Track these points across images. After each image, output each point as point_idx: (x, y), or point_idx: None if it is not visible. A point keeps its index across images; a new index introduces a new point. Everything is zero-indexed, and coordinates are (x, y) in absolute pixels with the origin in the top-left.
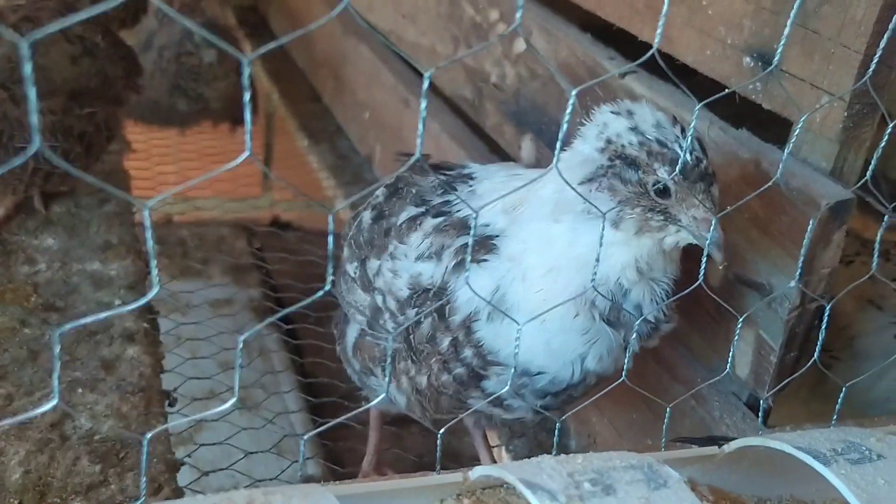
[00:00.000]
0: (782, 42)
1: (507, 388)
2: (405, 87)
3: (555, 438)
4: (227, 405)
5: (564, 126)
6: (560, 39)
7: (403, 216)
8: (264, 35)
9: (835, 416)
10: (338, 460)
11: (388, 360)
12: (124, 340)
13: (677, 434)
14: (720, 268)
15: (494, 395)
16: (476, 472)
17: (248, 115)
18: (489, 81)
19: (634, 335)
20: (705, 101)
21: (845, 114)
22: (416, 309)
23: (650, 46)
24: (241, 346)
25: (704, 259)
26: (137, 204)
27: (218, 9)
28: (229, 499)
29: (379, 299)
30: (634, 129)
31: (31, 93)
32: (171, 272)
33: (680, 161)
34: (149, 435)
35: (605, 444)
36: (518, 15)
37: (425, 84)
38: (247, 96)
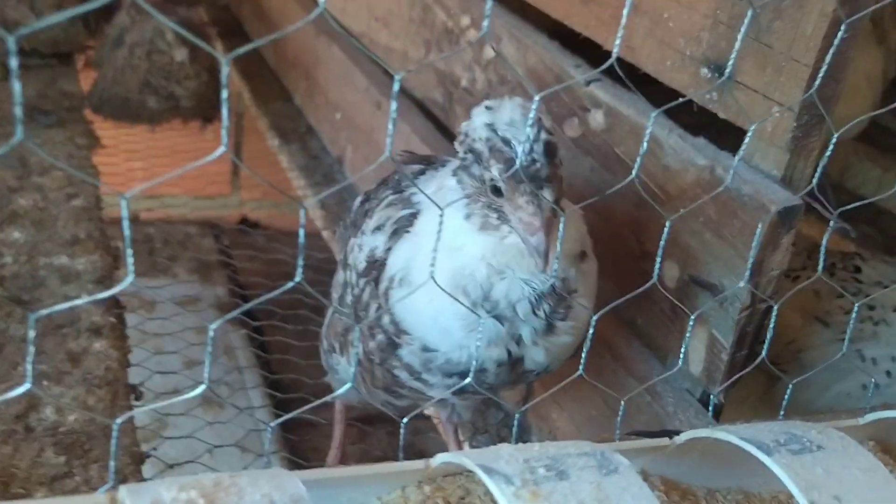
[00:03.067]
0: (734, 55)
1: (416, 359)
2: (377, 89)
3: (513, 430)
4: (197, 391)
5: (528, 130)
6: (529, 47)
7: (381, 198)
8: (237, 34)
9: (781, 413)
10: (302, 457)
11: (355, 343)
12: (91, 334)
13: (633, 428)
14: (545, 274)
15: (409, 365)
16: (437, 460)
17: (225, 112)
18: (460, 86)
19: (528, 330)
20: (662, 109)
21: (794, 124)
22: (364, 279)
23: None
24: (211, 334)
25: (659, 258)
26: (109, 197)
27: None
28: (198, 481)
29: (348, 274)
30: (489, 125)
31: (17, 87)
32: (137, 269)
33: (511, 159)
34: (119, 420)
35: (565, 439)
36: (485, 24)
37: (395, 87)
38: (224, 93)
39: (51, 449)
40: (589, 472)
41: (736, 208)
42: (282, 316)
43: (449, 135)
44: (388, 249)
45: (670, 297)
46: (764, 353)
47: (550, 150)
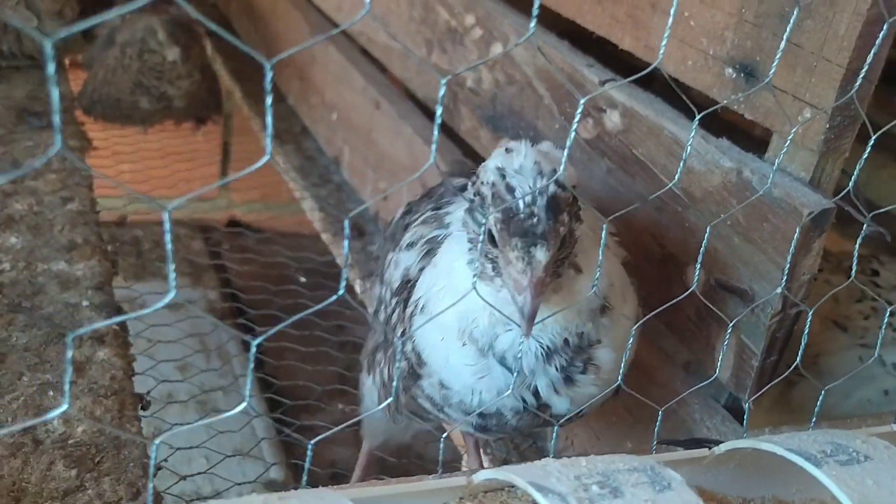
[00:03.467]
0: (777, 56)
1: (436, 393)
2: (376, 89)
3: (552, 443)
4: (238, 409)
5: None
6: (538, 47)
7: (422, 211)
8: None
9: (813, 419)
10: (302, 464)
11: (397, 363)
12: (94, 342)
13: (659, 437)
14: (522, 338)
15: (430, 397)
16: (481, 476)
17: (268, 120)
18: (465, 86)
19: (544, 381)
20: (701, 114)
21: (827, 125)
22: (396, 298)
23: (628, 54)
24: (253, 349)
25: (699, 267)
26: (104, 199)
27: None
28: (249, 502)
29: (383, 291)
30: (499, 169)
31: (55, 93)
32: (126, 273)
33: (509, 209)
34: (157, 440)
35: (583, 446)
36: (532, 24)
37: (441, 91)
38: (268, 100)
39: (61, 462)
40: (642, 490)
41: (766, 212)
42: (278, 323)
43: (453, 136)
44: (421, 270)
45: (705, 301)
46: (798, 359)
47: (555, 206)
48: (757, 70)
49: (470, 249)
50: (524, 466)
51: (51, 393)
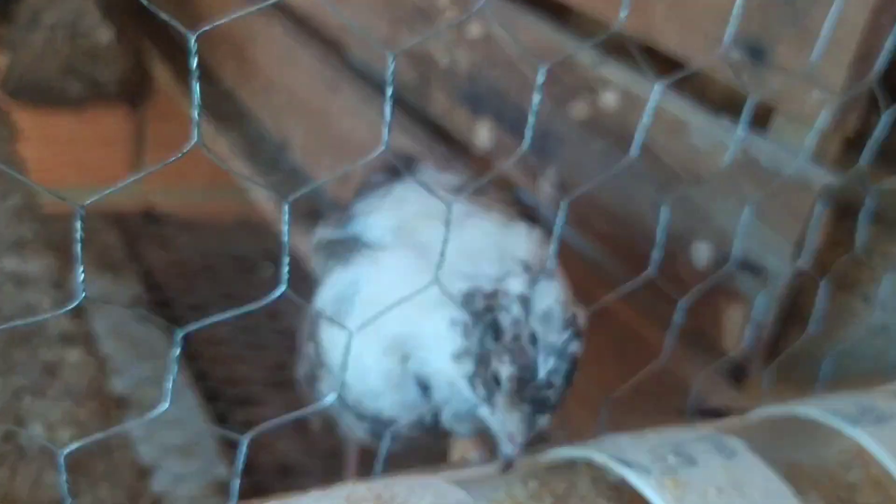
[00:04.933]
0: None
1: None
2: (332, 71)
3: None
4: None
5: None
6: (521, 28)
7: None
8: (153, 13)
9: (818, 383)
10: (247, 460)
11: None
12: (63, 343)
13: (667, 408)
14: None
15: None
16: (549, 454)
17: (196, 98)
18: (438, 67)
19: (450, 413)
20: (669, 79)
21: (835, 103)
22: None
23: (616, 32)
24: (178, 340)
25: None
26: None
27: None
28: (354, 492)
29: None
30: (523, 301)
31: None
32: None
33: (528, 368)
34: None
35: (581, 424)
36: None
37: (390, 67)
38: (193, 63)
39: (52, 469)
40: (713, 457)
41: (776, 188)
42: (200, 317)
43: (419, 118)
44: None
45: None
46: (811, 328)
47: (573, 369)
48: (764, 50)
49: (463, 353)
50: (594, 442)
51: (28, 398)
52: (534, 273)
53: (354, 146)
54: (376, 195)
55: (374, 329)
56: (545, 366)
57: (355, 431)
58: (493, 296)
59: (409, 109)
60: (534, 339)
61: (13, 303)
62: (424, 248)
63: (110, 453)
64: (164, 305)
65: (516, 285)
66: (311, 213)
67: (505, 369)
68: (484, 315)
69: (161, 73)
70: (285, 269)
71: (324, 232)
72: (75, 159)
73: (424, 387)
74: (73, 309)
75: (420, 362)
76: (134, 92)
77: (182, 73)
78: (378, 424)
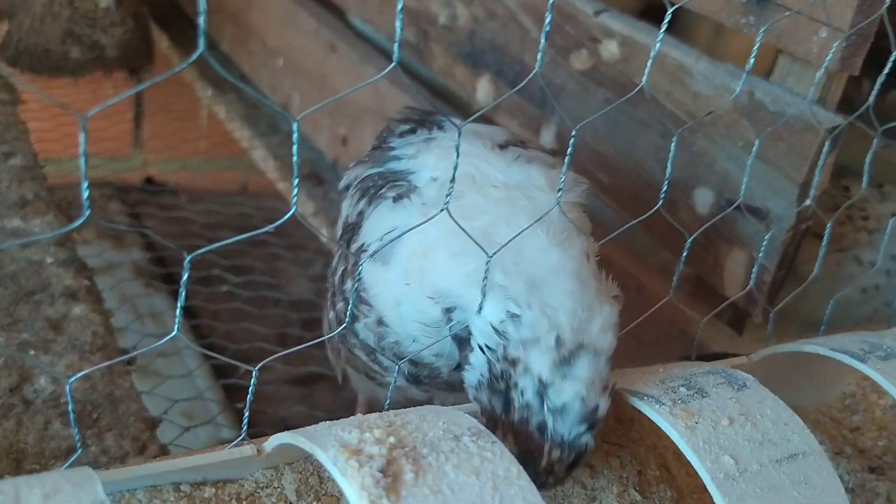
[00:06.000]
0: None
1: (371, 335)
2: (330, 32)
3: None
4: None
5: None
6: None
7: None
8: None
9: (823, 327)
10: (249, 423)
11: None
12: (68, 299)
13: (669, 356)
14: None
15: (364, 343)
16: None
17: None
18: (437, 23)
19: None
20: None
21: (843, 45)
22: (340, 241)
23: None
24: (187, 264)
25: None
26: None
27: None
28: (365, 419)
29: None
30: (543, 387)
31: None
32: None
33: (529, 455)
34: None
35: None
36: None
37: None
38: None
39: (58, 421)
40: (724, 389)
41: (781, 130)
42: (196, 278)
43: (420, 78)
44: (360, 214)
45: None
46: (817, 269)
47: (578, 461)
48: None
49: (481, 384)
50: None
51: (32, 352)
52: (565, 350)
53: (355, 106)
54: (417, 138)
55: (419, 275)
56: (549, 456)
57: (400, 380)
58: (514, 363)
59: (407, 68)
60: (542, 429)
61: (17, 260)
62: (468, 215)
63: (116, 405)
64: (164, 266)
65: (539, 364)
66: (312, 174)
67: (508, 446)
68: (497, 382)
69: (159, 38)
70: (294, 191)
71: (358, 170)
72: (75, 127)
73: (460, 340)
74: (79, 267)
75: (460, 321)
76: (134, 57)
77: (180, 38)
78: (417, 367)
